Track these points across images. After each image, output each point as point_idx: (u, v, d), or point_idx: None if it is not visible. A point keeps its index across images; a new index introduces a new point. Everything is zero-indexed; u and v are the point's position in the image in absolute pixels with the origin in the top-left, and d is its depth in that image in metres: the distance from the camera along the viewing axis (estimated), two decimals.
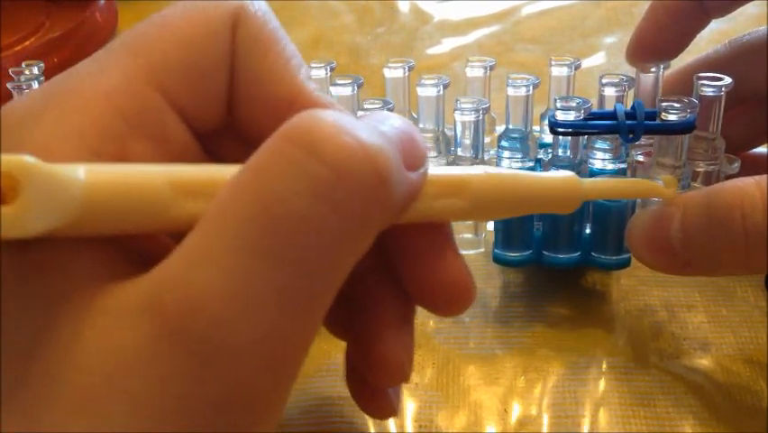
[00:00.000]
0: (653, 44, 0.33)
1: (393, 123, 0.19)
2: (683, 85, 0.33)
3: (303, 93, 0.20)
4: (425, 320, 0.32)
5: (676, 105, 0.27)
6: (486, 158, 0.32)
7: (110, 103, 0.18)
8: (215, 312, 0.15)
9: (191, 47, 0.19)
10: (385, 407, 0.24)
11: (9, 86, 0.33)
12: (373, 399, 0.24)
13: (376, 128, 0.18)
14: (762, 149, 0.36)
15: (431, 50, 0.52)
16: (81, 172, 0.15)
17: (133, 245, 0.18)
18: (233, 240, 0.15)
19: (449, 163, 0.31)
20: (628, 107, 0.30)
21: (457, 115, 0.30)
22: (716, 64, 0.33)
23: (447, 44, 0.53)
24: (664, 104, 0.27)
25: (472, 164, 0.31)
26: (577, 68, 0.33)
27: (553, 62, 0.33)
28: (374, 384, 0.23)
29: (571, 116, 0.28)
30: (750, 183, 0.24)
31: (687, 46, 0.33)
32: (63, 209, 0.15)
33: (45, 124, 0.17)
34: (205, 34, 0.19)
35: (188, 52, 0.19)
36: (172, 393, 0.15)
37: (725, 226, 0.24)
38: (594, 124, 0.28)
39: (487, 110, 0.29)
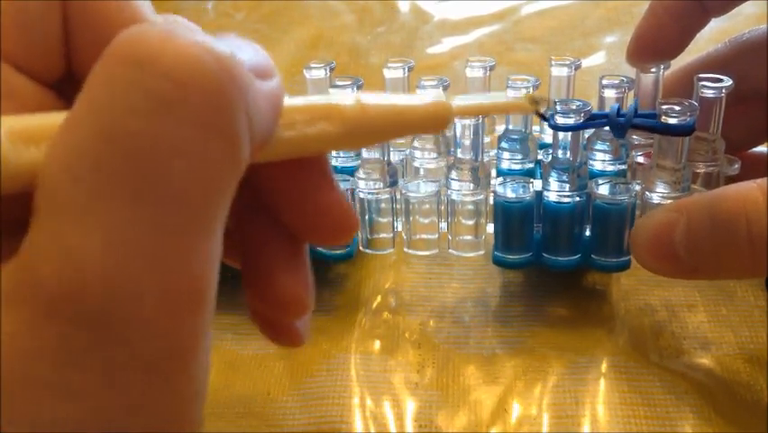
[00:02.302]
0: (654, 44, 0.33)
1: (228, 39, 0.17)
2: (683, 84, 0.33)
3: (139, 19, 0.19)
4: (425, 320, 0.32)
5: (676, 107, 0.27)
6: (486, 159, 0.32)
7: None
8: (100, 280, 0.14)
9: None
10: (293, 337, 0.23)
11: None
12: (279, 331, 0.23)
13: (211, 37, 0.16)
14: (762, 148, 0.36)
15: (431, 50, 0.52)
16: None
17: (3, 216, 0.16)
18: (87, 188, 0.14)
19: (449, 165, 0.31)
20: (628, 108, 0.30)
21: (457, 118, 0.30)
22: (716, 63, 0.33)
23: (447, 44, 0.53)
24: (664, 106, 0.27)
25: (472, 167, 0.30)
26: (577, 68, 0.33)
27: (553, 62, 0.33)
28: (277, 320, 0.22)
29: (571, 120, 0.28)
30: (753, 188, 0.24)
31: (687, 45, 0.33)
32: None
33: None
34: None
35: (11, 3, 0.18)
36: (89, 371, 0.14)
37: (729, 232, 0.24)
38: (590, 121, 0.28)
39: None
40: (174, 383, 0.16)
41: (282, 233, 0.21)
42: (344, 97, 0.20)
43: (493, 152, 0.34)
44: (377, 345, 0.31)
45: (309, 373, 0.30)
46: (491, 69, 0.34)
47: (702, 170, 0.30)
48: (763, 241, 0.24)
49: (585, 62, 0.47)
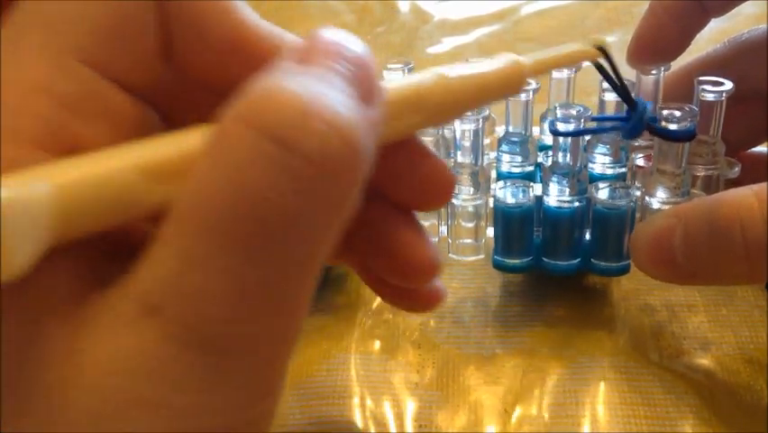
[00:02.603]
0: (654, 45, 0.33)
1: (342, 48, 0.18)
2: (683, 85, 0.33)
3: (245, 28, 0.20)
4: (425, 320, 0.32)
5: (677, 113, 0.27)
6: (486, 162, 0.32)
7: (44, 94, 0.17)
8: (216, 312, 0.15)
9: (116, 9, 0.18)
10: (433, 296, 0.24)
11: None
12: (416, 297, 0.24)
13: (328, 81, 0.17)
14: (761, 148, 0.36)
15: (431, 50, 0.52)
16: (44, 187, 0.15)
17: (108, 238, 0.17)
18: (216, 239, 0.15)
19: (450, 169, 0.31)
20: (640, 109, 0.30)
21: (457, 124, 0.30)
22: (715, 63, 0.33)
23: (447, 43, 0.53)
24: (665, 112, 0.27)
25: (472, 172, 0.30)
26: (577, 69, 0.33)
27: None
28: (415, 285, 0.23)
29: (571, 127, 0.28)
30: (749, 194, 0.24)
31: (687, 46, 0.33)
32: (40, 233, 0.15)
33: None
34: None
35: (113, 15, 0.18)
36: (189, 394, 0.15)
37: (725, 238, 0.24)
38: (596, 125, 0.28)
39: (486, 118, 0.29)
40: (265, 405, 0.17)
41: (395, 208, 0.23)
42: (429, 77, 0.20)
43: (493, 154, 0.34)
44: (377, 345, 0.31)
45: (309, 372, 0.30)
46: None
47: (702, 174, 0.30)
48: (759, 247, 0.24)
49: (585, 62, 0.48)
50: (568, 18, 0.55)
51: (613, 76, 0.26)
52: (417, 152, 0.22)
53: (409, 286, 0.23)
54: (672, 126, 0.27)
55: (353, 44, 0.18)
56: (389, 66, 0.33)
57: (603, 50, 0.24)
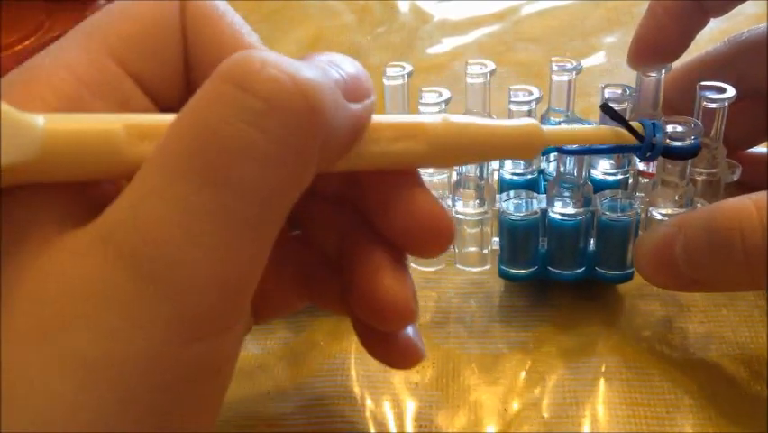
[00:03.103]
0: (654, 46, 0.33)
1: (334, 59, 0.20)
2: (683, 84, 0.33)
3: (248, 47, 0.22)
4: (425, 320, 0.32)
5: (680, 128, 0.27)
6: (489, 171, 0.31)
7: (69, 72, 0.19)
8: (162, 236, 0.16)
9: (143, 23, 0.21)
10: (411, 351, 0.24)
11: None
12: (395, 348, 0.24)
13: (313, 64, 0.19)
14: (761, 148, 0.36)
15: (431, 50, 0.52)
16: (41, 119, 0.17)
17: (96, 195, 0.19)
18: (174, 172, 0.17)
19: (454, 183, 0.31)
20: (628, 117, 0.30)
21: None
22: (715, 62, 0.33)
23: (447, 44, 0.53)
24: (669, 128, 0.27)
25: (477, 186, 0.30)
26: (578, 72, 0.33)
27: (554, 68, 0.33)
28: (388, 331, 0.23)
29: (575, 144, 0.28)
30: (748, 203, 0.25)
31: (687, 46, 0.33)
32: (26, 146, 0.17)
33: (12, 93, 0.18)
34: (155, 13, 0.21)
35: (140, 27, 0.21)
36: (125, 315, 0.16)
37: (725, 247, 0.25)
38: (605, 147, 0.28)
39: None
40: (206, 352, 0.17)
41: (384, 246, 0.23)
42: (432, 117, 0.21)
43: (495, 162, 0.34)
44: None
45: (309, 372, 0.30)
46: (491, 73, 0.34)
47: (702, 178, 0.30)
48: (759, 254, 0.24)
49: (585, 62, 0.47)
50: (568, 18, 0.55)
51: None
52: (417, 189, 0.22)
53: (380, 328, 0.23)
54: (677, 143, 0.27)
55: (350, 62, 0.20)
56: (388, 73, 0.33)
57: (606, 109, 0.24)
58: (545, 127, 0.22)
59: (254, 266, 0.18)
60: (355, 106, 0.19)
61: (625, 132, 0.24)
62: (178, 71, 0.21)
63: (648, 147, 0.26)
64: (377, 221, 0.22)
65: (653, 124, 0.26)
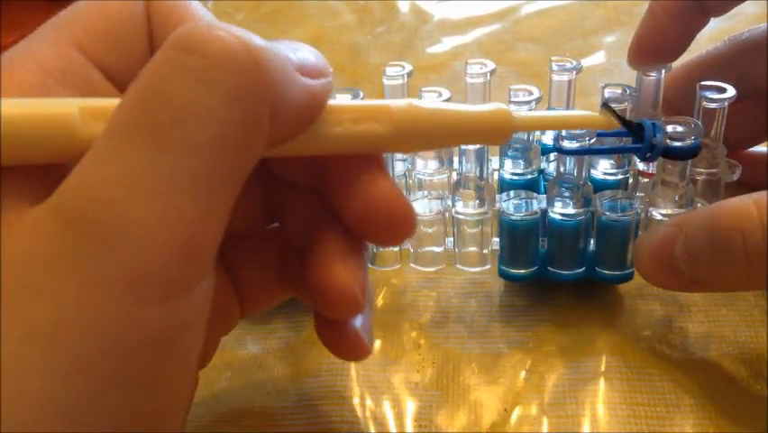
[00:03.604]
0: (655, 46, 0.33)
1: (290, 43, 0.20)
2: (683, 83, 0.33)
3: None
4: (425, 320, 0.32)
5: (680, 128, 0.27)
6: (489, 171, 0.31)
7: (34, 63, 0.19)
8: (108, 196, 0.16)
9: (109, 16, 0.21)
10: (354, 343, 0.24)
11: None
12: (341, 337, 0.24)
13: (265, 40, 0.19)
14: (762, 147, 0.36)
15: (431, 50, 0.52)
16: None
17: (59, 176, 0.18)
18: (120, 135, 0.17)
19: (454, 183, 0.31)
20: (628, 116, 0.30)
21: (462, 145, 0.29)
22: (716, 62, 0.33)
23: (447, 43, 0.53)
24: (669, 128, 0.27)
25: (477, 186, 0.30)
26: (578, 72, 0.33)
27: (554, 68, 0.33)
28: (333, 317, 0.23)
29: (575, 145, 0.28)
30: (748, 203, 0.25)
31: (687, 46, 0.33)
32: None
33: None
34: (120, 6, 0.21)
35: (106, 20, 0.21)
36: (73, 278, 0.16)
37: (726, 247, 0.25)
38: (606, 147, 0.28)
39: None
40: (163, 316, 0.17)
41: (345, 236, 0.22)
42: (397, 101, 0.21)
43: (495, 159, 0.34)
44: (377, 345, 0.31)
45: (309, 372, 0.30)
46: (491, 73, 0.33)
47: (702, 177, 0.30)
48: (760, 254, 0.24)
49: (585, 62, 0.47)
50: (568, 18, 0.55)
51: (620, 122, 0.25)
52: (378, 174, 0.22)
53: (328, 315, 0.23)
54: (677, 144, 0.27)
55: (307, 47, 0.21)
56: (388, 73, 0.33)
57: (607, 108, 0.24)
58: (515, 112, 0.22)
59: (208, 226, 0.17)
60: (310, 81, 0.20)
61: (596, 116, 0.24)
62: (143, 61, 0.21)
63: (648, 147, 0.26)
64: (337, 207, 0.22)
65: (653, 124, 0.26)
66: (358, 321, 0.24)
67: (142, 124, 0.17)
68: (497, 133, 0.22)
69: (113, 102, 0.18)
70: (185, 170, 0.17)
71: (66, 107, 0.18)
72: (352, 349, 0.24)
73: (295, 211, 0.24)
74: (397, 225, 0.22)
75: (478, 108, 0.22)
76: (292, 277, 0.25)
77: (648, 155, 0.26)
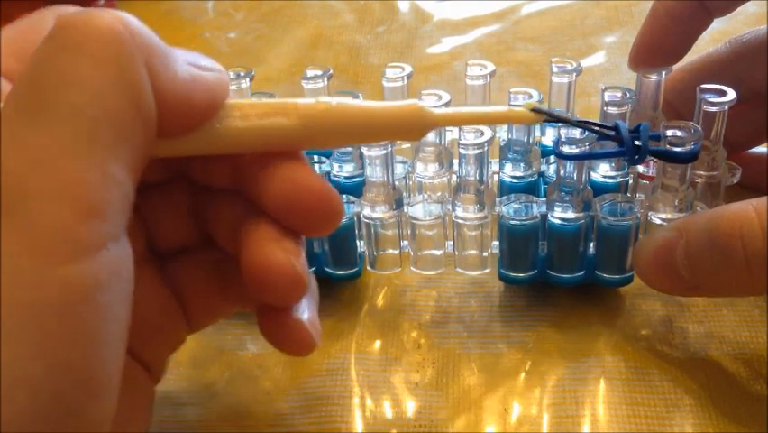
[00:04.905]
0: (657, 48, 0.32)
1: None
2: (684, 84, 0.33)
3: None
4: (425, 320, 0.32)
5: (680, 133, 0.27)
6: (489, 173, 0.31)
7: None
8: (13, 172, 0.17)
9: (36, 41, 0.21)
10: (299, 335, 0.23)
11: None
12: (284, 328, 0.23)
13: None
14: (762, 148, 0.36)
15: (431, 50, 0.52)
16: None
17: None
18: (11, 110, 0.18)
19: (454, 187, 0.31)
20: (628, 118, 0.30)
21: (462, 150, 0.29)
22: (716, 64, 0.33)
23: (447, 43, 0.53)
24: (669, 132, 0.27)
25: (477, 190, 0.30)
26: (578, 73, 0.33)
27: (554, 69, 0.33)
28: (276, 303, 0.22)
29: (575, 150, 0.27)
30: (749, 209, 0.25)
31: (690, 48, 0.33)
32: None
33: None
34: (33, 33, 0.22)
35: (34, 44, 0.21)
36: None
37: (726, 252, 0.25)
38: (599, 152, 0.28)
39: (491, 141, 0.29)
40: (83, 272, 0.17)
41: (273, 222, 0.22)
42: (311, 100, 0.21)
43: (495, 161, 0.34)
44: (377, 345, 0.31)
45: (309, 372, 0.30)
46: (491, 75, 0.33)
47: (703, 180, 0.30)
48: (760, 260, 0.24)
49: (585, 62, 0.47)
50: (568, 18, 0.55)
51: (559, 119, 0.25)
52: (295, 166, 0.22)
53: (269, 300, 0.22)
54: (677, 149, 0.27)
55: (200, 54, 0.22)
56: (388, 75, 0.32)
57: (538, 111, 0.23)
58: (435, 109, 0.22)
59: (107, 188, 0.18)
60: (201, 72, 0.20)
61: (518, 111, 0.23)
62: None
63: (632, 151, 0.26)
64: (261, 201, 0.22)
65: (639, 125, 0.26)
66: (303, 313, 0.23)
67: (29, 98, 0.18)
68: (411, 130, 0.22)
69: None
70: (70, 136, 0.17)
71: None
72: (297, 341, 0.23)
73: (223, 215, 0.24)
74: (321, 209, 0.22)
75: (391, 104, 0.21)
76: (234, 288, 0.25)
77: (636, 158, 0.26)
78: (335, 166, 0.33)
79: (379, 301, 0.33)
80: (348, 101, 0.21)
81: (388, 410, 0.28)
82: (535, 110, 0.23)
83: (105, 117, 0.18)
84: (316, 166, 0.34)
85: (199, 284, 0.25)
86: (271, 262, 0.21)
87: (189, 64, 0.20)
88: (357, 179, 0.33)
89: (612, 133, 0.26)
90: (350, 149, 0.32)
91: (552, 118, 0.24)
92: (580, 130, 0.27)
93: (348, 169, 0.33)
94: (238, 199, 0.23)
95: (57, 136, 0.17)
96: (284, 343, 0.23)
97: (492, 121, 0.25)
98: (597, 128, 0.26)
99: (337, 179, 0.33)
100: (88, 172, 0.17)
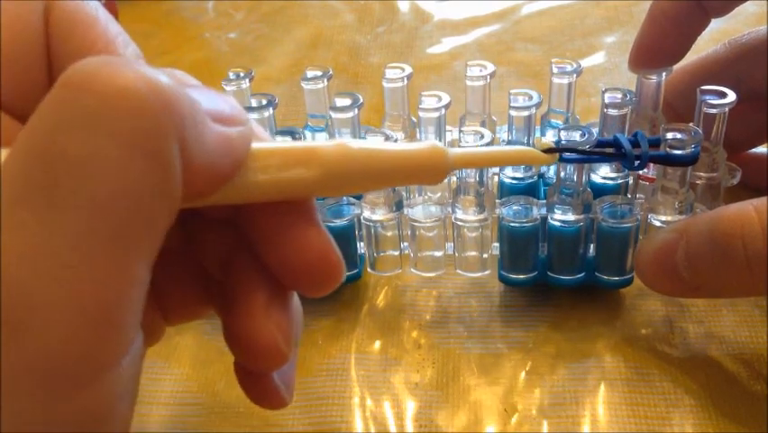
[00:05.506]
0: (656, 50, 0.32)
1: (200, 86, 0.18)
2: (684, 84, 0.33)
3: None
4: (425, 320, 0.32)
5: (680, 135, 0.27)
6: (489, 174, 0.31)
7: None
8: (10, 278, 0.14)
9: (5, 37, 0.19)
10: (273, 396, 0.22)
11: None
12: (260, 388, 0.22)
13: (168, 73, 0.17)
14: (762, 148, 0.36)
15: (431, 50, 0.52)
16: None
17: None
18: (11, 197, 0.14)
19: (454, 188, 0.31)
20: (628, 119, 0.30)
21: (463, 139, 0.29)
22: (716, 64, 0.33)
23: (447, 44, 0.53)
24: (669, 135, 0.27)
25: (477, 192, 0.30)
26: (578, 74, 0.33)
27: (554, 70, 0.33)
28: (254, 369, 0.22)
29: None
30: (749, 210, 0.25)
31: (689, 49, 0.33)
32: None
33: None
34: (14, 27, 0.19)
35: (3, 43, 0.19)
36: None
37: (727, 253, 0.25)
38: (600, 151, 0.28)
39: (490, 144, 0.29)
40: (86, 397, 0.15)
41: (268, 280, 0.21)
42: (326, 142, 0.20)
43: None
44: (377, 345, 0.31)
45: (309, 373, 0.30)
46: (491, 75, 0.33)
47: (703, 182, 0.30)
48: (760, 261, 0.24)
49: (585, 62, 0.47)
50: (568, 18, 0.55)
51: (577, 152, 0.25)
52: (303, 221, 0.20)
53: (251, 368, 0.21)
54: (677, 152, 0.27)
55: (219, 93, 0.18)
56: (388, 76, 0.32)
57: (550, 151, 0.23)
58: (451, 150, 0.21)
59: (126, 290, 0.15)
60: (227, 129, 0.18)
61: (535, 152, 0.23)
62: (42, 87, 0.19)
63: (631, 158, 0.26)
64: (263, 253, 0.21)
65: (636, 133, 0.26)
66: (278, 372, 0.22)
67: (36, 182, 0.14)
68: (431, 174, 0.21)
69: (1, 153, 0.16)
70: (89, 234, 0.14)
71: None
72: (268, 400, 0.22)
73: (212, 243, 0.22)
74: (327, 279, 0.20)
75: (410, 147, 0.21)
76: (210, 292, 0.24)
77: (637, 164, 0.26)
78: None
79: (380, 301, 0.33)
80: (368, 144, 0.20)
81: (387, 410, 0.28)
82: (547, 150, 0.23)
83: (131, 211, 0.15)
84: None
85: (177, 281, 0.24)
86: (257, 338, 0.20)
87: (215, 120, 0.17)
88: None
89: (614, 149, 0.26)
90: (324, 120, 0.33)
91: (565, 153, 0.24)
92: (581, 133, 0.27)
93: (321, 138, 0.33)
94: (231, 232, 0.22)
95: (75, 235, 0.14)
96: (256, 399, 0.23)
97: (507, 162, 0.25)
98: (605, 152, 0.26)
99: None
100: (109, 279, 0.15)
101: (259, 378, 0.22)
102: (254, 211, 0.20)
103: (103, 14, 0.20)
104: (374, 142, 0.21)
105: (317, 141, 0.20)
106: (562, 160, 0.28)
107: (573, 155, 0.27)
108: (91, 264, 0.14)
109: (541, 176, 0.33)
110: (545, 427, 0.27)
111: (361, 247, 0.33)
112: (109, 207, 0.15)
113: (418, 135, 0.32)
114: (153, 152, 0.15)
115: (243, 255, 0.21)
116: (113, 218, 0.15)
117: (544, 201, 0.30)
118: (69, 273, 0.14)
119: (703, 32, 0.33)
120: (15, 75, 0.19)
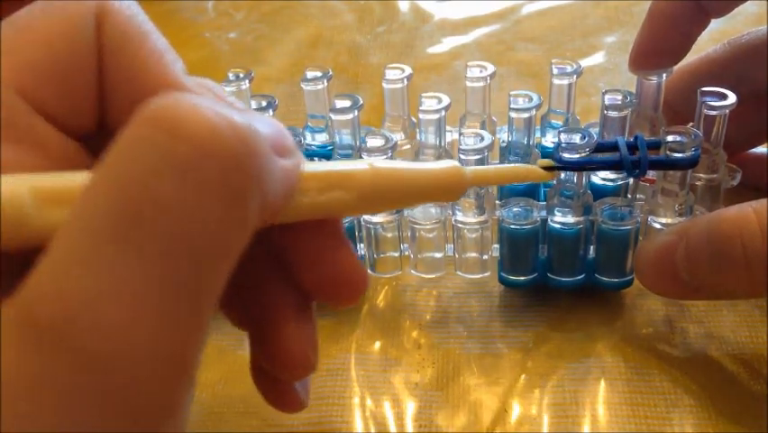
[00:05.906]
0: (656, 51, 0.32)
1: (257, 114, 0.19)
2: (684, 86, 0.33)
3: (178, 88, 0.19)
4: (425, 320, 0.32)
5: (679, 138, 0.27)
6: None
7: None
8: (91, 317, 0.14)
9: (52, 48, 0.18)
10: (293, 400, 0.23)
11: None
12: (281, 393, 0.23)
13: (240, 111, 0.17)
14: (762, 149, 0.36)
15: (431, 50, 0.52)
16: None
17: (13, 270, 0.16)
18: (98, 235, 0.14)
19: None
20: (629, 120, 0.30)
21: (461, 155, 0.29)
22: (715, 64, 0.33)
23: (447, 43, 0.53)
24: (669, 138, 0.27)
25: (477, 194, 0.30)
26: (578, 75, 0.33)
27: (554, 71, 0.33)
28: (281, 378, 0.23)
29: (575, 156, 0.27)
30: (748, 211, 0.25)
31: (689, 49, 0.33)
32: None
33: None
34: (67, 33, 0.19)
35: (50, 53, 0.18)
36: (54, 410, 0.14)
37: (726, 254, 0.25)
38: (599, 160, 0.28)
39: (491, 146, 0.29)
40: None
41: (293, 291, 0.22)
42: (359, 164, 0.21)
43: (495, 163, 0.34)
44: (377, 345, 0.31)
45: None
46: (491, 76, 0.33)
47: (702, 183, 0.30)
48: (760, 261, 0.24)
49: (585, 62, 0.47)
50: (568, 18, 0.55)
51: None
52: (337, 240, 0.21)
53: (279, 376, 0.22)
54: (677, 155, 0.27)
55: (270, 120, 0.19)
56: (388, 77, 0.32)
57: (550, 169, 0.25)
58: (468, 168, 0.22)
59: (197, 334, 0.15)
60: (286, 162, 0.18)
61: (535, 169, 0.25)
62: (91, 99, 0.19)
63: (631, 166, 0.26)
64: (298, 271, 0.21)
65: (636, 137, 0.26)
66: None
67: (123, 223, 0.14)
68: (452, 193, 0.23)
69: (69, 181, 0.16)
70: (174, 280, 0.15)
71: (14, 189, 0.15)
72: (289, 405, 0.23)
73: (241, 259, 0.23)
74: (357, 293, 0.22)
75: (432, 166, 0.22)
76: (235, 304, 0.24)
77: (636, 172, 0.26)
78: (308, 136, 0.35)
79: (380, 301, 0.33)
80: (395, 165, 0.21)
81: (387, 411, 0.28)
82: (547, 168, 0.25)
83: (216, 257, 0.15)
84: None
85: None
86: (292, 350, 0.21)
87: (277, 153, 0.18)
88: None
89: (617, 159, 0.27)
90: (324, 120, 0.34)
91: (565, 168, 0.26)
92: (581, 135, 0.27)
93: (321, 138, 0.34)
94: (260, 248, 0.21)
95: (161, 279, 0.14)
96: (276, 404, 0.24)
97: (514, 179, 0.26)
98: (604, 165, 0.27)
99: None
100: (187, 322, 0.15)
101: (280, 383, 0.23)
102: (288, 230, 0.20)
103: (151, 30, 0.20)
104: (399, 163, 0.22)
105: (347, 163, 0.21)
106: (562, 168, 0.28)
107: (574, 159, 0.27)
108: (174, 307, 0.15)
109: None
110: (545, 427, 0.27)
111: (362, 249, 0.33)
112: (195, 254, 0.15)
113: (418, 136, 0.32)
114: (240, 197, 0.16)
115: (272, 270, 0.22)
116: (197, 265, 0.15)
117: (544, 203, 0.30)
118: (149, 318, 0.14)
119: (703, 32, 0.33)
120: (64, 83, 0.19)
